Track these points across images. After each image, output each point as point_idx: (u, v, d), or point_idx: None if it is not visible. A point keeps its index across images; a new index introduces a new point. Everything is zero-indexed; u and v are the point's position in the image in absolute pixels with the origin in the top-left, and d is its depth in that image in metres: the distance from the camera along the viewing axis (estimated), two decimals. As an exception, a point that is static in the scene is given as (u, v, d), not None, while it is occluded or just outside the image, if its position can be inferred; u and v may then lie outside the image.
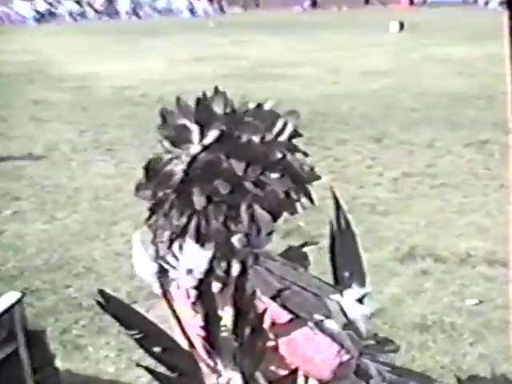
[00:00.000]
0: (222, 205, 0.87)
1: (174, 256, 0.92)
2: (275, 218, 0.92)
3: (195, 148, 0.86)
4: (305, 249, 1.03)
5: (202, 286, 0.93)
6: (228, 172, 0.86)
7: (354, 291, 0.94)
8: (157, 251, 0.93)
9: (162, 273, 0.95)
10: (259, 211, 0.88)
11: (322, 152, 5.58)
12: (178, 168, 0.87)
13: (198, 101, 0.87)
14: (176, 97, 0.90)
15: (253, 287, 0.91)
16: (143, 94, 8.57)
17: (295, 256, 1.00)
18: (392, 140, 6.14)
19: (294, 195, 0.90)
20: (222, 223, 0.88)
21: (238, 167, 0.86)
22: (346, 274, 0.99)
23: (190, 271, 0.91)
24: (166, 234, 0.89)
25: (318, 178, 0.92)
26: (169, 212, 0.88)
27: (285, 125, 0.89)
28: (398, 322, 2.73)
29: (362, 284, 0.98)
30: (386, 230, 3.76)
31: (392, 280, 3.13)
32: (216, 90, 0.88)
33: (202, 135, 0.86)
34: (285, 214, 0.91)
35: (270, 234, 0.92)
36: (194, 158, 0.86)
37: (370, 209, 4.18)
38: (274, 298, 0.91)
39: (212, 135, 0.86)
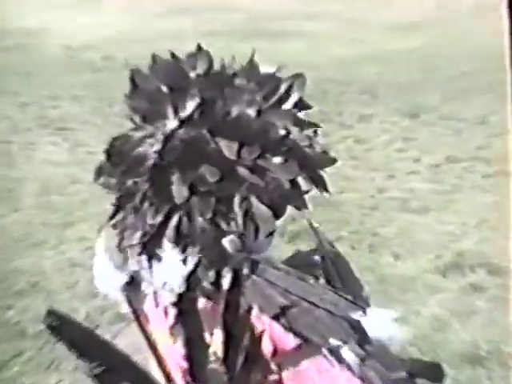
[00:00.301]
0: (210, 197, 0.86)
1: (148, 264, 0.92)
2: (277, 215, 0.92)
3: (172, 123, 0.87)
4: (317, 256, 1.06)
5: (184, 303, 0.92)
6: (216, 154, 0.86)
7: (384, 310, 0.95)
8: (125, 259, 0.92)
9: (132, 287, 0.95)
10: (257, 205, 0.88)
11: (339, 131, 5.56)
12: (152, 150, 0.87)
13: (173, 61, 0.89)
14: (152, 55, 0.90)
15: (249, 303, 0.91)
16: (106, 56, 8.40)
17: (305, 264, 1.02)
18: (431, 115, 6.07)
19: (302, 184, 0.90)
20: (210, 221, 0.87)
21: (229, 148, 0.86)
22: (348, 296, 0.98)
23: (167, 284, 0.91)
24: (137, 235, 0.89)
25: (334, 161, 0.91)
26: (140, 207, 0.88)
27: (289, 91, 0.89)
28: (440, 352, 2.71)
29: (366, 306, 0.98)
30: (423, 233, 3.82)
31: (432, 297, 3.16)
32: (198, 48, 0.90)
33: (178, 106, 0.87)
34: (291, 210, 0.92)
35: (270, 234, 0.92)
36: (170, 137, 0.87)
37: (402, 205, 4.22)
38: (276, 318, 0.91)
39: (191, 105, 0.87)
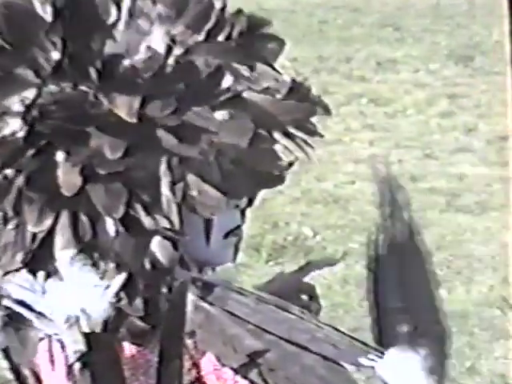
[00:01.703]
0: (114, 183, 0.79)
1: (41, 291, 0.81)
2: (237, 201, 0.87)
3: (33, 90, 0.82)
4: (310, 277, 1.03)
5: (98, 351, 0.80)
6: (113, 118, 0.81)
7: (411, 352, 0.83)
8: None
9: (13, 327, 0.83)
10: (199, 186, 0.81)
11: (347, 86, 4.40)
12: (13, 127, 0.81)
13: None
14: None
15: (201, 350, 0.83)
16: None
17: (290, 290, 0.99)
18: (492, 59, 4.30)
19: (273, 146, 0.84)
20: (124, 219, 0.79)
21: (128, 106, 0.80)
22: (404, 327, 0.95)
23: (70, 318, 0.79)
24: (18, 256, 0.80)
25: (327, 109, 0.86)
26: (16, 211, 0.80)
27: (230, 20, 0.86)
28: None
29: (437, 347, 0.93)
30: (479, 244, 2.80)
31: (496, 343, 2.34)
32: None
33: (36, 62, 0.83)
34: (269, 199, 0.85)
35: (231, 234, 0.89)
36: (36, 105, 0.81)
37: (447, 200, 3.12)
38: (244, 371, 0.83)
39: (56, 55, 0.83)
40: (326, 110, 0.88)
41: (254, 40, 0.87)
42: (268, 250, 3.29)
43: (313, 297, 1.00)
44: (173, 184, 0.80)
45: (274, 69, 0.87)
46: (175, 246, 0.81)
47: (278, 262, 3.22)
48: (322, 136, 0.87)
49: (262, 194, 0.88)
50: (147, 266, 0.81)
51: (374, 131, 3.99)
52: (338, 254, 3.14)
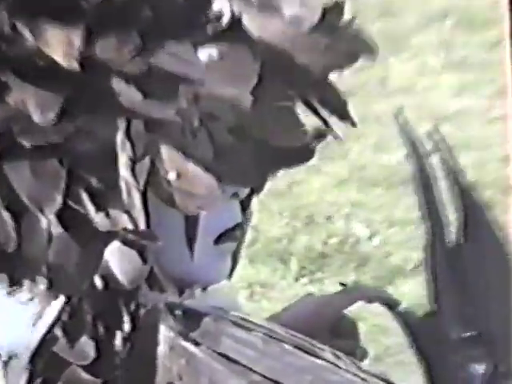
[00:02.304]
0: (47, 159, 0.81)
1: None
2: (234, 189, 0.91)
3: None
4: (355, 306, 1.08)
5: None
6: (43, 59, 0.82)
7: None
8: None
9: None
10: (182, 167, 0.82)
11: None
12: None
13: None
14: None
15: None
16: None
17: (322, 322, 1.05)
18: None
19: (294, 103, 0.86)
20: (59, 213, 0.81)
21: (65, 39, 0.81)
22: (467, 332, 1.04)
23: None
24: None
25: (370, 50, 0.88)
26: None
27: None
28: None
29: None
30: None
31: None
32: None
33: None
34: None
35: (227, 238, 0.91)
36: None
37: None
38: None
39: None
40: (372, 52, 0.89)
41: None
42: (299, 260, 3.36)
43: (354, 336, 1.03)
44: (135, 162, 0.81)
45: None
46: (141, 257, 0.82)
47: (314, 278, 3.28)
48: (354, 125, 0.89)
49: (284, 174, 0.90)
50: (98, 285, 0.82)
51: (461, 71, 4.09)
52: (408, 265, 3.20)
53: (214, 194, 0.82)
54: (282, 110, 0.85)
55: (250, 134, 0.84)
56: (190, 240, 0.87)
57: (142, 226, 0.81)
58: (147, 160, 0.81)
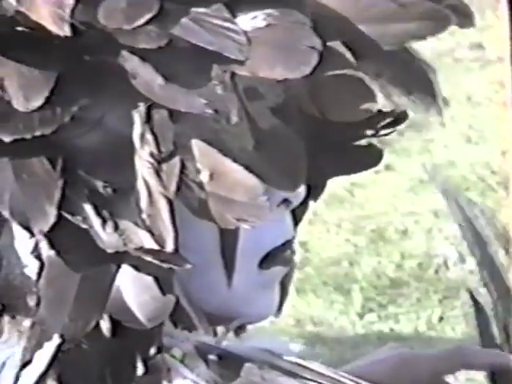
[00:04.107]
0: (34, 156, 0.85)
1: None
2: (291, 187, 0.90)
3: None
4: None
5: None
6: (26, 22, 0.86)
7: None
8: None
9: None
10: (218, 166, 0.84)
11: None
12: None
13: None
14: None
15: None
16: None
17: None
18: None
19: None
20: (52, 230, 0.83)
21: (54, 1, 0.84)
22: None
23: None
24: None
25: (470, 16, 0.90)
26: None
27: None
28: None
29: None
30: None
31: None
32: None
33: None
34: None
35: (275, 260, 0.93)
36: None
37: None
38: None
39: None
40: (468, 17, 0.89)
41: None
42: (365, 290, 3.46)
43: None
44: (160, 161, 0.82)
45: None
46: (166, 286, 0.83)
47: (385, 314, 3.38)
48: (445, 104, 0.88)
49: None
50: (105, 326, 0.84)
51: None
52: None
53: (257, 200, 0.83)
54: (343, 80, 0.86)
55: (302, 113, 0.87)
56: (228, 262, 0.88)
57: (170, 246, 0.82)
58: (177, 158, 0.82)
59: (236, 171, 0.83)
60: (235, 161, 0.84)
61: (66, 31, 0.82)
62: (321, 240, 3.58)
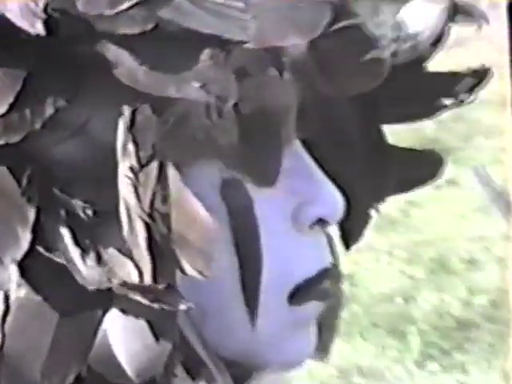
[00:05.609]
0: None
1: None
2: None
3: None
4: None
5: None
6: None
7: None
8: None
9: None
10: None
11: None
12: None
13: None
14: None
15: None
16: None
17: None
18: None
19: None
20: (23, 261, 0.78)
21: None
22: None
23: None
24: None
25: None
26: None
27: None
28: None
29: None
30: None
31: None
32: None
33: None
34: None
35: (310, 293, 0.84)
36: None
37: None
38: None
39: None
40: None
41: None
42: (424, 334, 3.39)
43: None
44: (135, 174, 0.78)
45: None
46: (161, 330, 0.79)
47: (449, 363, 3.24)
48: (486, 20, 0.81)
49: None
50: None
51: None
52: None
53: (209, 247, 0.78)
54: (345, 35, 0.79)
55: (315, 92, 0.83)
56: (249, 299, 0.83)
57: (148, 277, 0.75)
58: (155, 164, 0.78)
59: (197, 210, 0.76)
60: (225, 160, 0.81)
61: (38, 29, 0.75)
62: (369, 271, 3.54)
